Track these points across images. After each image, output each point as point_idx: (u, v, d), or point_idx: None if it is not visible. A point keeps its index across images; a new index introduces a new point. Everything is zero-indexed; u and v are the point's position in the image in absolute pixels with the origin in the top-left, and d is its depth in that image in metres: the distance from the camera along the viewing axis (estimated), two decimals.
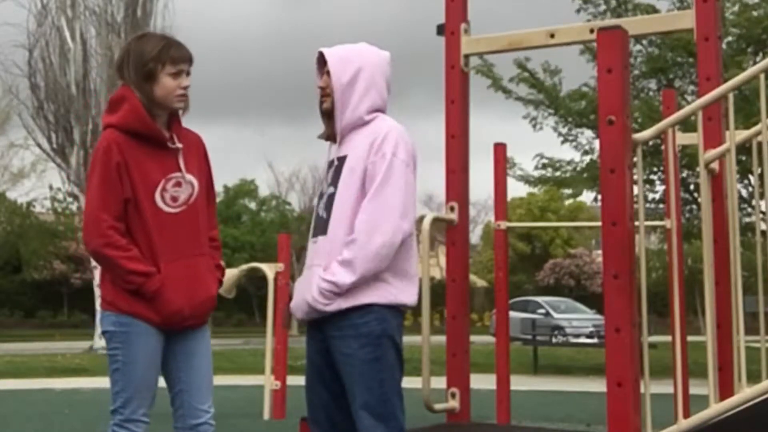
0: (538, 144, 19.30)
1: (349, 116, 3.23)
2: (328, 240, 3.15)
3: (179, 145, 3.29)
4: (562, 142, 18.33)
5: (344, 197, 3.16)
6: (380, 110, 3.27)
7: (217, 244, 3.47)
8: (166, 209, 3.22)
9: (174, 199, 3.25)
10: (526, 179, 18.88)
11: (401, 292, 3.17)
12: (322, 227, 3.20)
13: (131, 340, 3.20)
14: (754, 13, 16.31)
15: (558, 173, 18.64)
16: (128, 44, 3.36)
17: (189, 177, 3.29)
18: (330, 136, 3.31)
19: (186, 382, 3.31)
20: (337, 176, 3.20)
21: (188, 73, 3.30)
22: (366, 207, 3.09)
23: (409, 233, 3.17)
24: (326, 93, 3.26)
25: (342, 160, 3.22)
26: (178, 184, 3.26)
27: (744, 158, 11.45)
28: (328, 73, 3.25)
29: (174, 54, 3.25)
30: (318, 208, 3.27)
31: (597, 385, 7.15)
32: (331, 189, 3.21)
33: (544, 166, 18.64)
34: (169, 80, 3.24)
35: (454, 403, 4.97)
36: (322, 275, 3.09)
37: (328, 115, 3.27)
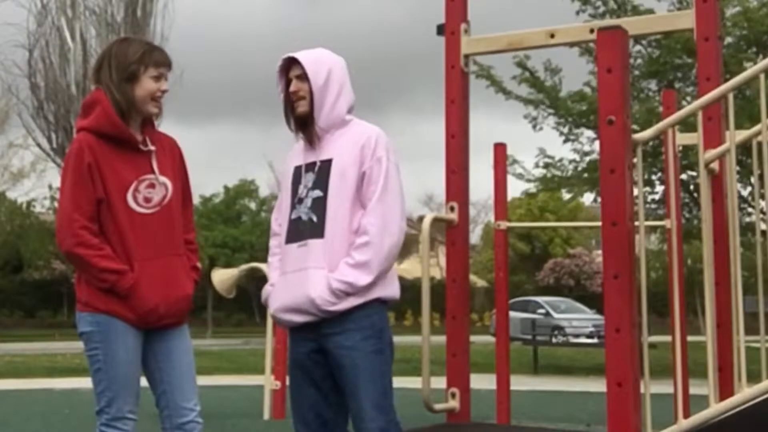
0: (538, 144, 19.22)
1: (327, 116, 3.29)
2: (326, 242, 3.19)
3: (152, 148, 3.35)
4: (564, 142, 18.32)
5: (338, 201, 3.21)
6: (351, 110, 3.36)
7: (194, 247, 3.51)
8: (139, 210, 3.27)
9: (147, 200, 3.30)
10: (528, 181, 18.83)
11: (391, 286, 3.28)
12: (312, 230, 3.22)
13: (110, 339, 3.23)
14: (755, 15, 16.28)
15: (558, 172, 18.59)
16: (109, 47, 3.42)
17: (162, 179, 3.34)
18: (310, 140, 3.33)
19: (168, 382, 3.33)
20: (324, 179, 3.24)
21: (166, 78, 3.38)
22: (373, 210, 3.18)
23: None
24: (300, 97, 3.31)
25: (326, 162, 3.26)
26: (152, 186, 3.31)
27: (744, 158, 11.45)
28: (299, 77, 3.30)
29: (157, 57, 3.34)
30: (297, 212, 3.28)
31: (597, 385, 7.16)
32: (317, 192, 3.25)
33: (546, 166, 18.59)
34: (151, 82, 3.31)
35: (454, 403, 4.97)
36: (335, 276, 3.14)
37: (303, 120, 3.32)
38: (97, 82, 3.36)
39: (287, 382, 8.55)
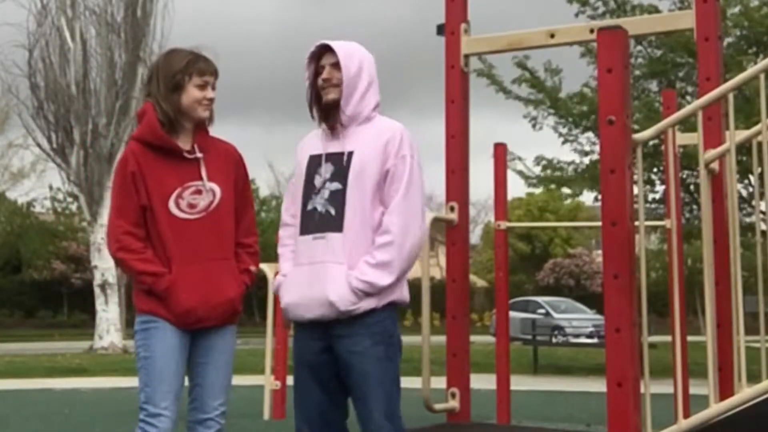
0: (538, 144, 19.16)
1: (354, 108, 3.26)
2: (345, 236, 3.16)
3: (199, 155, 3.42)
4: (563, 143, 18.32)
5: (359, 195, 3.17)
6: (376, 108, 3.33)
7: (253, 251, 3.56)
8: (182, 215, 3.36)
9: (192, 206, 3.38)
10: (527, 178, 18.80)
11: (404, 289, 3.25)
12: (331, 223, 3.18)
13: (150, 336, 3.35)
14: (756, 14, 16.29)
15: (558, 173, 18.59)
16: (157, 60, 3.55)
17: (210, 185, 3.41)
18: (332, 128, 3.30)
19: (202, 377, 3.42)
20: (344, 172, 3.20)
21: (213, 87, 3.45)
22: (397, 209, 3.15)
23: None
24: (333, 84, 3.27)
25: (347, 155, 3.22)
26: (198, 192, 3.39)
27: (744, 158, 11.45)
28: (334, 65, 3.27)
29: (201, 66, 3.41)
30: (312, 203, 3.25)
31: (597, 385, 7.15)
32: (336, 184, 3.20)
33: (545, 168, 18.60)
34: (196, 91, 3.39)
35: (454, 403, 4.97)
36: (356, 275, 3.11)
37: (330, 107, 3.28)
38: (147, 94, 3.46)
39: (287, 382, 8.60)
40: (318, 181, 3.26)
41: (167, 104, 3.37)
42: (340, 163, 3.22)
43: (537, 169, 18.76)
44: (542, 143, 18.97)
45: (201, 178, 3.40)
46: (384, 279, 3.11)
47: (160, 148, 3.38)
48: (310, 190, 3.28)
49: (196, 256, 3.35)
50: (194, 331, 3.38)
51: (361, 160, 3.19)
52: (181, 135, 3.42)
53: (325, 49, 3.31)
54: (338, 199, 3.19)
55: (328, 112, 3.30)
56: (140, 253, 3.33)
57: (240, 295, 3.47)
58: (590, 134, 17.76)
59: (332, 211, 3.19)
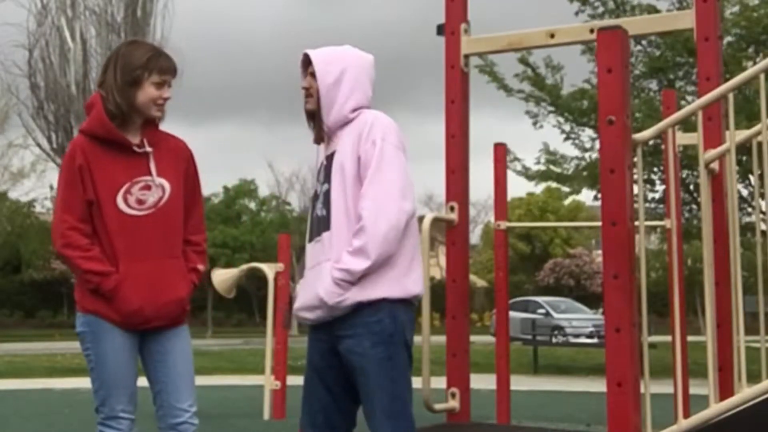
0: (539, 143, 19.15)
1: (335, 115, 3.25)
2: (333, 233, 3.15)
3: (148, 150, 3.34)
4: (565, 139, 18.32)
5: (340, 190, 3.17)
6: (364, 107, 3.30)
7: (200, 249, 3.48)
8: (130, 212, 3.27)
9: (140, 201, 3.29)
10: (527, 174, 18.80)
11: (409, 281, 3.16)
12: (324, 224, 3.20)
13: (98, 338, 3.26)
14: (754, 14, 16.30)
15: (559, 169, 18.58)
16: (118, 48, 3.43)
17: (160, 180, 3.33)
18: (318, 137, 3.34)
19: (164, 382, 3.34)
20: (329, 172, 3.23)
21: (170, 85, 3.38)
22: (366, 193, 3.09)
23: (411, 214, 3.16)
24: (309, 94, 3.29)
25: (331, 156, 3.25)
26: (147, 188, 3.30)
27: (744, 158, 11.44)
28: (312, 74, 3.28)
29: (162, 64, 3.33)
30: (316, 209, 3.27)
31: (597, 385, 7.16)
32: (326, 186, 3.23)
33: (547, 161, 18.58)
34: (153, 89, 3.31)
35: (454, 403, 4.97)
36: (335, 265, 3.07)
37: (311, 116, 3.32)
38: (101, 82, 3.36)
39: (287, 382, 8.60)
40: (318, 187, 3.30)
41: (121, 97, 3.28)
42: (327, 165, 3.26)
43: (537, 168, 18.78)
44: (543, 143, 18.94)
45: (150, 174, 3.31)
46: (359, 264, 3.03)
47: (109, 142, 3.28)
48: (314, 197, 3.32)
49: (143, 254, 3.26)
50: (143, 331, 3.31)
51: (340, 157, 3.20)
52: (130, 129, 3.33)
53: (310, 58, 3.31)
54: (327, 199, 3.21)
55: (310, 121, 3.33)
56: (86, 250, 3.23)
57: (188, 295, 3.38)
58: (590, 131, 17.76)
59: (325, 213, 3.21)
